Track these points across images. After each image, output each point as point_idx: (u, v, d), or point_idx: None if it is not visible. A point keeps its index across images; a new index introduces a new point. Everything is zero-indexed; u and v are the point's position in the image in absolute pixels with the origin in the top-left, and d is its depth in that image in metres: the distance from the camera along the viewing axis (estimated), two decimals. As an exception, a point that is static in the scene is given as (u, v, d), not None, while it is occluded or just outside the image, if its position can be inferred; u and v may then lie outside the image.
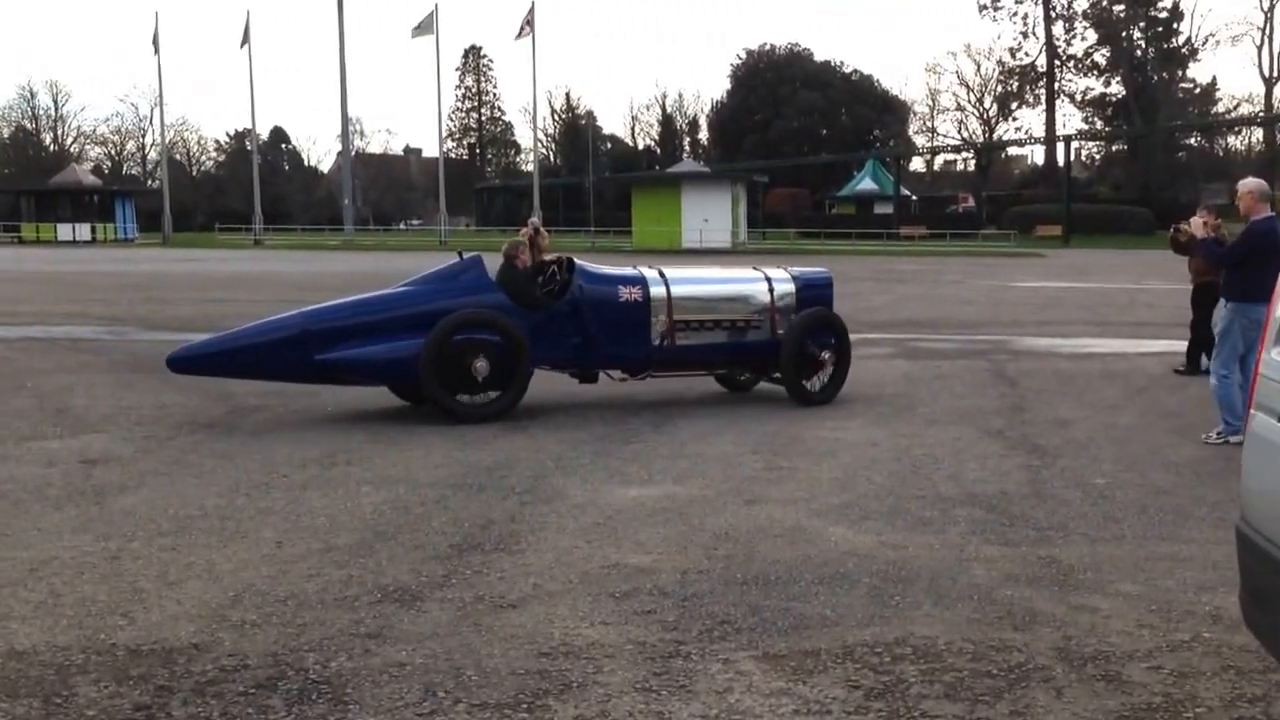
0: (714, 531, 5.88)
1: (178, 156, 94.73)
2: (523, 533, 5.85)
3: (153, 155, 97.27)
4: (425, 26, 65.99)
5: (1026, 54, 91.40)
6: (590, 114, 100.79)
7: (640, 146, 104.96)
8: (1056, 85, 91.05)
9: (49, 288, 26.60)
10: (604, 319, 9.69)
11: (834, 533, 5.87)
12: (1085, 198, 77.42)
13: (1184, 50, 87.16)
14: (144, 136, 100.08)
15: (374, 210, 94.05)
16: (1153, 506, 6.44)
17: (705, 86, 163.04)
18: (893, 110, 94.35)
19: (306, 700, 3.82)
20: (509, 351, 9.16)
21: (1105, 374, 12.41)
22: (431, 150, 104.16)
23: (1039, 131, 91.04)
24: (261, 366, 9.09)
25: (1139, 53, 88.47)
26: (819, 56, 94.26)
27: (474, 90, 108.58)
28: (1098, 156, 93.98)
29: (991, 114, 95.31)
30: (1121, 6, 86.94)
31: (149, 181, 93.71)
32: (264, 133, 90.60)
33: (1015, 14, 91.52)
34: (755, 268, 10.96)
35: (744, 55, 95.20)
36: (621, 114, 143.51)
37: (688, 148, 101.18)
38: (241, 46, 69.92)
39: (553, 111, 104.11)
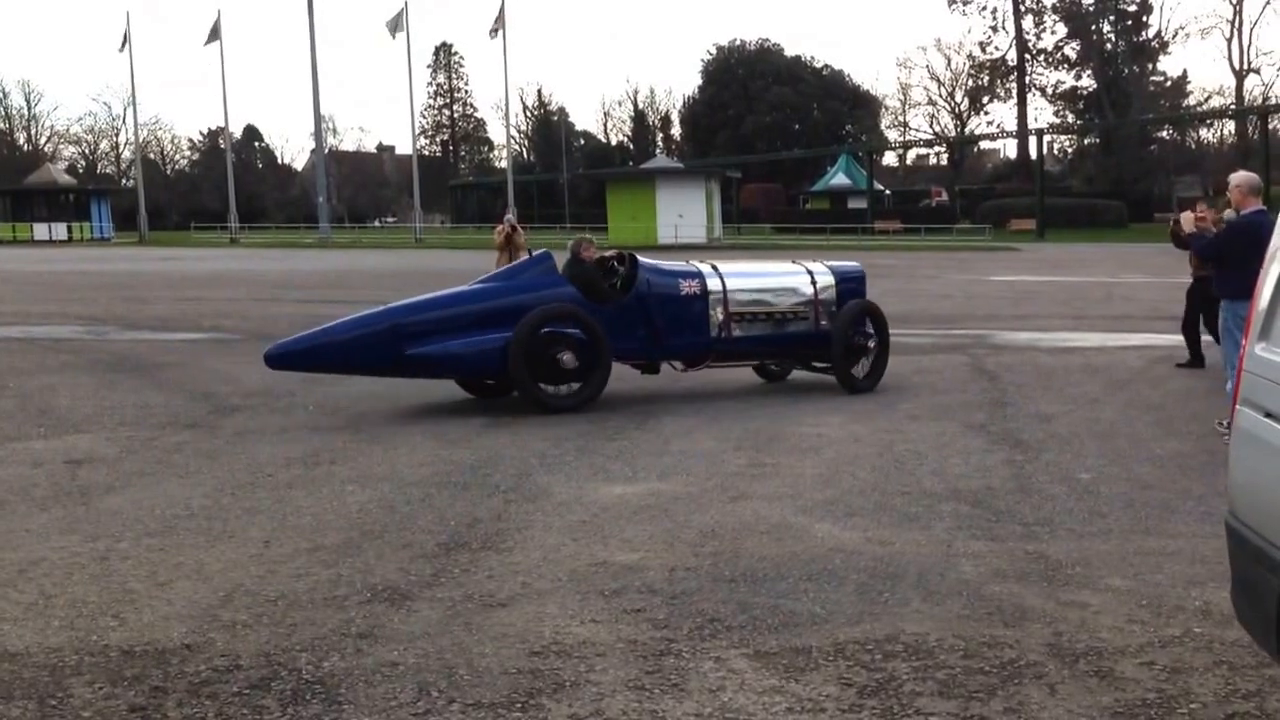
0: (700, 528, 5.89)
1: (151, 155, 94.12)
2: (509, 531, 5.84)
3: (126, 154, 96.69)
4: (396, 24, 65.78)
5: (997, 48, 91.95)
6: (563, 110, 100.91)
7: (613, 143, 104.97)
8: (1027, 79, 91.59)
9: (27, 288, 26.38)
10: (667, 312, 10.07)
11: (820, 529, 5.90)
12: (1058, 191, 77.98)
13: (1154, 43, 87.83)
14: (117, 135, 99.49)
15: (348, 208, 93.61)
16: (1138, 500, 6.49)
17: (677, 82, 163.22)
18: (864, 105, 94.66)
19: (301, 701, 3.81)
20: (590, 344, 9.47)
21: (1085, 368, 12.49)
22: (404, 147, 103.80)
23: (1011, 125, 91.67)
24: (352, 361, 9.36)
25: (1109, 46, 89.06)
26: (790, 52, 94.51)
27: (446, 87, 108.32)
28: (1070, 150, 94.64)
29: (963, 108, 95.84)
30: (1090, 0, 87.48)
31: (123, 181, 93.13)
32: (237, 131, 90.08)
33: (985, 8, 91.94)
34: (795, 261, 11.54)
35: (715, 51, 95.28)
36: (594, 110, 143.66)
37: (660, 144, 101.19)
38: (208, 43, 69.47)
39: (525, 108, 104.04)
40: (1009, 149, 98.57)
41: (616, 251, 10.64)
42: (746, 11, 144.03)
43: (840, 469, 7.32)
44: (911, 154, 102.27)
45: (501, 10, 64.83)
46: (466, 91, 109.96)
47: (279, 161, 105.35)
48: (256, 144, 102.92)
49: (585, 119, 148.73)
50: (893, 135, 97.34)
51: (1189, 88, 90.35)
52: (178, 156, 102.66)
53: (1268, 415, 3.14)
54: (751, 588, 4.94)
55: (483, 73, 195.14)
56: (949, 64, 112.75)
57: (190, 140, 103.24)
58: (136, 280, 29.27)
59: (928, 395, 10.50)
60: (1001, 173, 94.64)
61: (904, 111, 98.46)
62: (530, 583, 5.02)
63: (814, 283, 10.86)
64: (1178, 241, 12.09)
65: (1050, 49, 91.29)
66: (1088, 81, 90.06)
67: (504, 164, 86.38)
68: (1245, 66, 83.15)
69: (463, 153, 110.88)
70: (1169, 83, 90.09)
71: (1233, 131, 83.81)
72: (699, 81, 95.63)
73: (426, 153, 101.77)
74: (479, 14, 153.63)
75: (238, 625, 4.48)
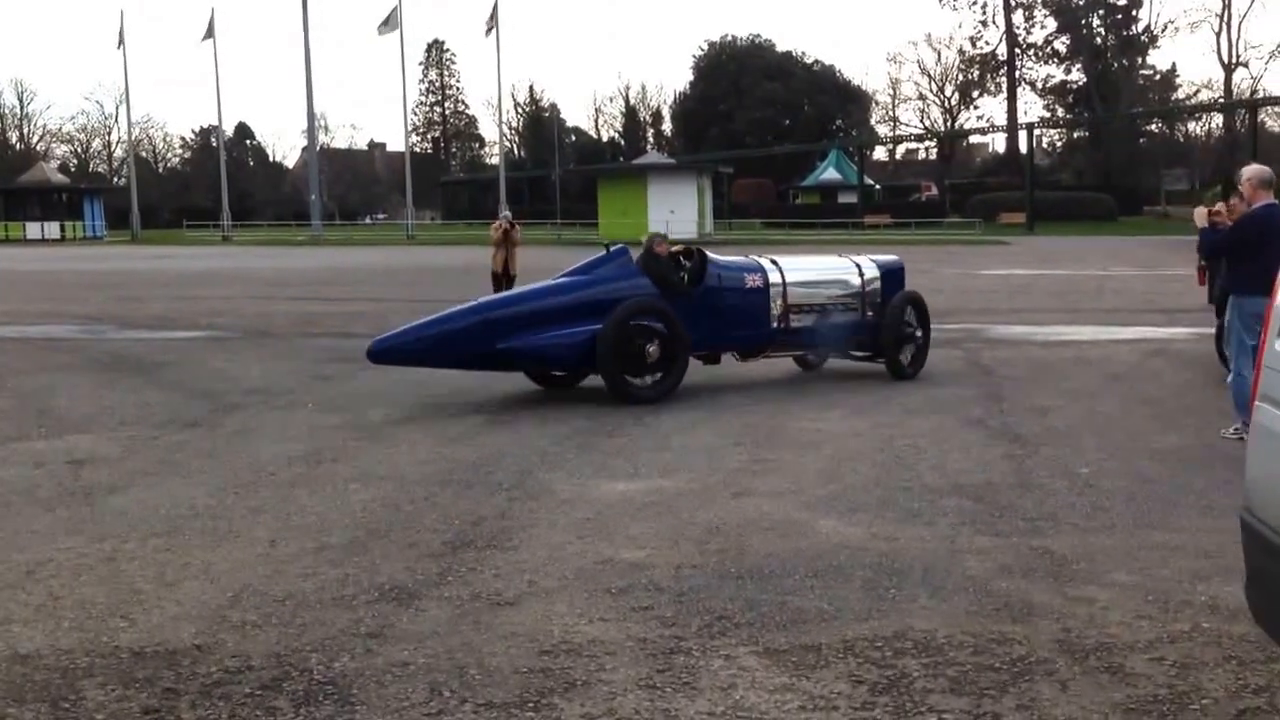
0: (704, 525, 5.90)
1: (143, 154, 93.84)
2: (514, 529, 5.85)
3: (118, 153, 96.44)
4: (390, 22, 65.73)
5: (987, 42, 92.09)
6: (554, 106, 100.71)
7: (604, 138, 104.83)
8: (1017, 73, 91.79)
9: (21, 287, 26.32)
10: (733, 304, 10.49)
11: (824, 525, 5.91)
12: (1047, 185, 78.04)
13: (1143, 37, 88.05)
14: (109, 134, 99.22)
15: (339, 205, 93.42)
16: (1139, 495, 6.51)
17: (668, 78, 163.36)
18: (855, 100, 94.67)
19: (313, 701, 3.81)
20: (670, 336, 9.80)
21: (1080, 361, 12.53)
22: (395, 145, 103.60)
23: (1000, 120, 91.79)
24: (447, 355, 9.62)
25: (1099, 40, 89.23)
26: (781, 47, 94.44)
27: (437, 84, 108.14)
28: (1059, 144, 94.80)
29: (953, 102, 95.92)
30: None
31: (114, 179, 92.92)
32: (229, 129, 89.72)
33: (975, 2, 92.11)
34: (841, 254, 12.14)
35: (706, 47, 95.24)
36: (585, 106, 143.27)
37: (652, 139, 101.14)
38: (204, 40, 69.35)
39: (516, 105, 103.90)
40: (998, 143, 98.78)
41: (685, 247, 11.01)
42: (738, 7, 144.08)
43: (841, 464, 7.33)
44: (901, 148, 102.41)
45: (495, 7, 64.75)
46: (458, 88, 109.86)
47: (270, 159, 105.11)
48: (248, 142, 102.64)
49: (576, 115, 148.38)
50: (883, 130, 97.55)
51: (1178, 81, 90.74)
52: (169, 155, 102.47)
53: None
54: (758, 585, 4.95)
55: (474, 69, 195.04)
56: (939, 59, 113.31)
57: (182, 138, 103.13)
58: (130, 279, 29.20)
59: (924, 389, 10.52)
60: (991, 167, 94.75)
61: (894, 106, 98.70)
62: (537, 581, 5.02)
63: (861, 275, 11.41)
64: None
65: (1040, 43, 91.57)
66: (1077, 75, 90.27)
67: (495, 160, 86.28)
68: (1234, 60, 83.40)
69: (454, 149, 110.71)
70: (1158, 76, 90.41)
71: (1220, 125, 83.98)
72: (690, 77, 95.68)
73: (418, 150, 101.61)
74: (470, 11, 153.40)
75: (247, 626, 4.48)
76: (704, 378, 11.14)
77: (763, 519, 6.00)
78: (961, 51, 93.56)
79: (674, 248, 10.78)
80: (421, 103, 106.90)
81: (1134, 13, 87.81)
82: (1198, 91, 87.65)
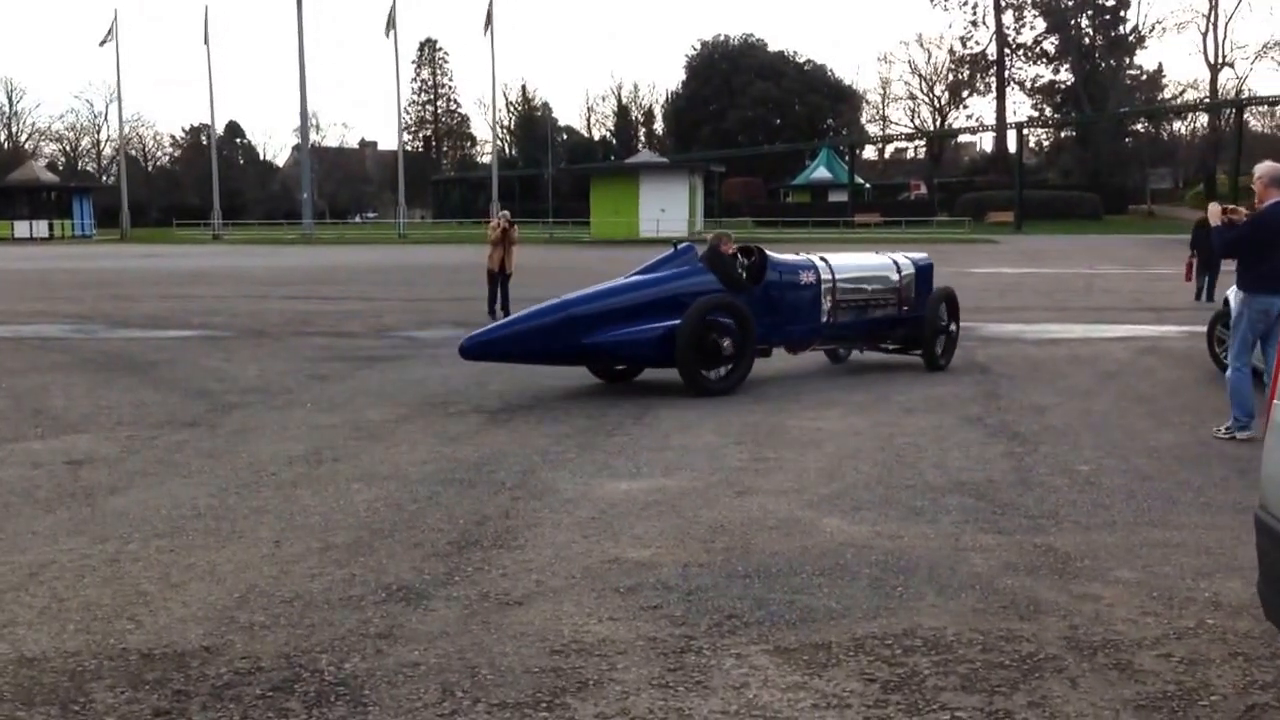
0: (709, 524, 5.90)
1: (133, 152, 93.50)
2: (519, 529, 5.84)
3: (108, 151, 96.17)
4: (391, 23, 65.89)
5: (977, 43, 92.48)
6: (546, 105, 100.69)
7: (596, 137, 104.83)
8: (1006, 73, 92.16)
9: (11, 286, 26.21)
10: (790, 300, 10.98)
11: (828, 524, 5.92)
12: (1035, 184, 78.36)
13: (1131, 38, 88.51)
14: (99, 132, 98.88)
15: (330, 203, 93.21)
16: (1139, 492, 6.54)
17: (660, 77, 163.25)
18: (845, 99, 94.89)
19: (325, 703, 3.80)
20: (741, 331, 10.18)
21: (1073, 359, 12.58)
22: (386, 143, 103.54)
23: (989, 119, 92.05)
24: (536, 351, 9.93)
25: (1087, 40, 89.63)
26: (773, 47, 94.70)
27: (430, 83, 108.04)
28: (1047, 143, 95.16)
29: (943, 102, 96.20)
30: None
31: (104, 177, 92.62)
32: (219, 127, 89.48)
33: (965, 3, 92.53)
34: (878, 252, 12.79)
35: (698, 46, 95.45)
36: (577, 105, 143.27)
37: (643, 138, 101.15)
38: (205, 43, 69.32)
39: (508, 103, 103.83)
40: (986, 142, 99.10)
41: (744, 245, 11.30)
42: (730, 7, 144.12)
43: (842, 463, 7.35)
44: (891, 148, 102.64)
45: (490, 7, 64.73)
46: (450, 87, 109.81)
47: (260, 158, 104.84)
48: (238, 140, 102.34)
49: (568, 114, 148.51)
50: (873, 129, 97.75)
51: (1164, 81, 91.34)
52: (159, 153, 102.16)
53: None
54: (766, 583, 4.96)
55: (466, 68, 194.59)
56: (929, 58, 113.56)
57: (172, 137, 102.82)
58: (122, 277, 29.11)
59: (921, 388, 10.55)
60: (979, 166, 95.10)
61: (884, 106, 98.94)
62: (545, 581, 5.02)
63: (899, 271, 12.05)
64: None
65: (1029, 44, 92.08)
66: (1065, 76, 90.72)
67: (486, 159, 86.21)
68: (1220, 60, 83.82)
69: (445, 148, 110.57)
70: (1145, 76, 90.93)
71: (1206, 125, 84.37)
72: (682, 76, 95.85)
73: (409, 148, 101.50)
74: (462, 10, 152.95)
75: (255, 627, 4.47)
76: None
77: (767, 517, 6.01)
78: (952, 51, 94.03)
79: (733, 246, 11.06)
80: (414, 101, 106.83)
81: (1122, 13, 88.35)
82: (1184, 91, 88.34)
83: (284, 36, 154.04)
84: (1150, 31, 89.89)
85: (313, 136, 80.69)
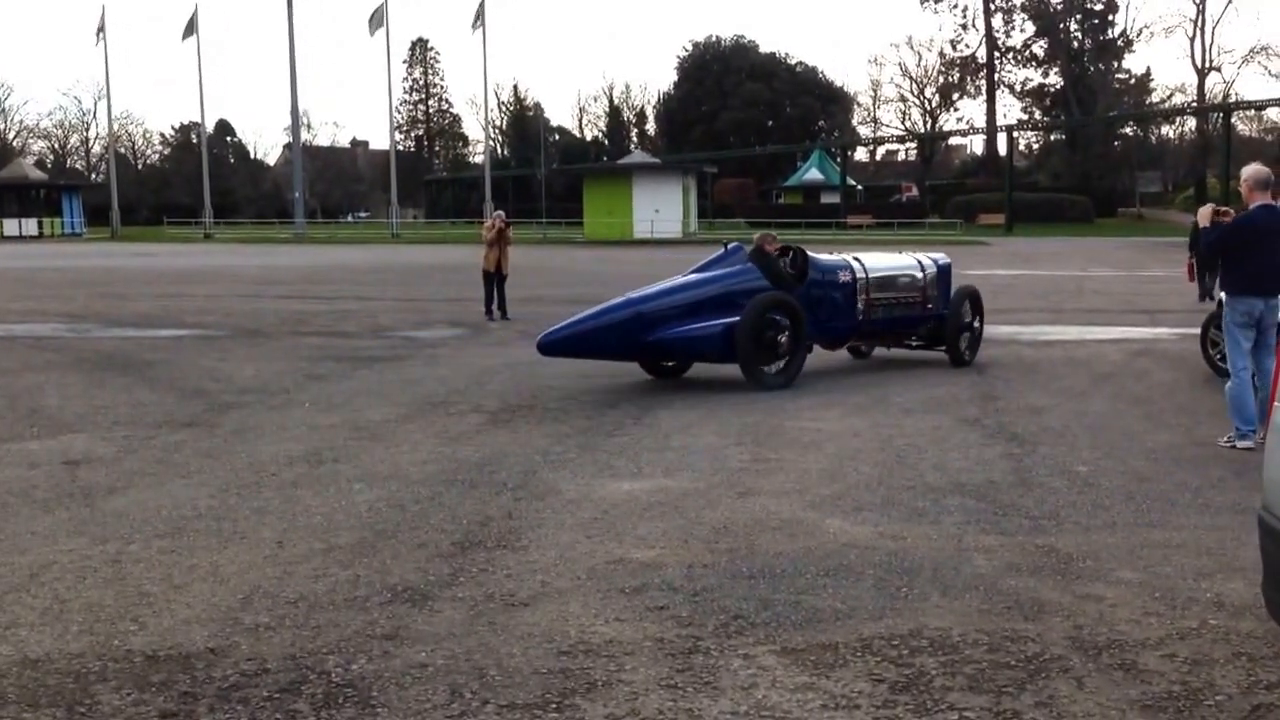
0: (712, 525, 5.91)
1: (122, 150, 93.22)
2: (522, 529, 5.84)
3: (97, 149, 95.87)
4: (377, 20, 65.68)
5: (967, 45, 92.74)
6: (538, 106, 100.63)
7: (588, 138, 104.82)
8: (996, 76, 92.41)
9: (1, 285, 26.12)
10: (830, 298, 11.42)
11: (831, 524, 5.93)
12: (1025, 186, 78.58)
13: (1119, 42, 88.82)
14: (88, 130, 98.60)
15: (321, 203, 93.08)
16: (1138, 493, 6.56)
17: (652, 78, 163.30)
18: (837, 101, 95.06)
19: (333, 704, 3.80)
20: (794, 328, 10.60)
21: (1068, 361, 12.61)
22: (377, 143, 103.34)
23: (980, 122, 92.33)
24: (605, 347, 10.33)
25: (1076, 44, 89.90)
26: (764, 48, 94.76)
27: (421, 83, 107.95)
28: (1037, 146, 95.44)
29: (933, 104, 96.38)
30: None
31: (93, 175, 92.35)
32: (209, 125, 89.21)
33: (955, 6, 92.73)
34: (901, 251, 13.29)
35: (690, 47, 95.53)
36: (569, 105, 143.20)
37: (635, 139, 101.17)
38: (185, 38, 69.01)
39: (500, 103, 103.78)
40: (977, 145, 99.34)
41: (784, 245, 11.64)
42: (722, 8, 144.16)
43: (843, 464, 7.36)
44: (882, 150, 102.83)
45: (481, 6, 64.66)
46: (442, 87, 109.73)
47: (251, 156, 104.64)
48: (229, 139, 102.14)
49: (560, 114, 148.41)
50: (864, 131, 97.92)
51: (1152, 85, 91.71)
52: (149, 151, 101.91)
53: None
54: (771, 584, 4.96)
55: (458, 68, 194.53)
56: (920, 61, 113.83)
57: (161, 135, 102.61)
58: (113, 276, 29.04)
59: (918, 389, 10.57)
60: (970, 168, 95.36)
61: (875, 108, 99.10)
62: (550, 581, 5.02)
63: (923, 270, 12.46)
64: None
65: (1019, 47, 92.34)
66: (1055, 79, 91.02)
67: (478, 159, 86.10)
68: (1207, 64, 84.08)
69: (437, 148, 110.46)
70: (1133, 80, 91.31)
71: (1194, 128, 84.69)
72: (674, 78, 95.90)
73: (401, 148, 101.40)
74: (454, 10, 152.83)
75: (260, 628, 4.46)
76: (700, 376, 11.18)
77: (770, 518, 6.02)
78: (942, 54, 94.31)
79: (776, 247, 11.43)
80: (405, 101, 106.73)
81: (1110, 17, 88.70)
82: (1172, 95, 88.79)
83: (274, 35, 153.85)
84: (1138, 36, 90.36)
85: (304, 135, 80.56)
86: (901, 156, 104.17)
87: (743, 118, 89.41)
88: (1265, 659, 4.11)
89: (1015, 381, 11.06)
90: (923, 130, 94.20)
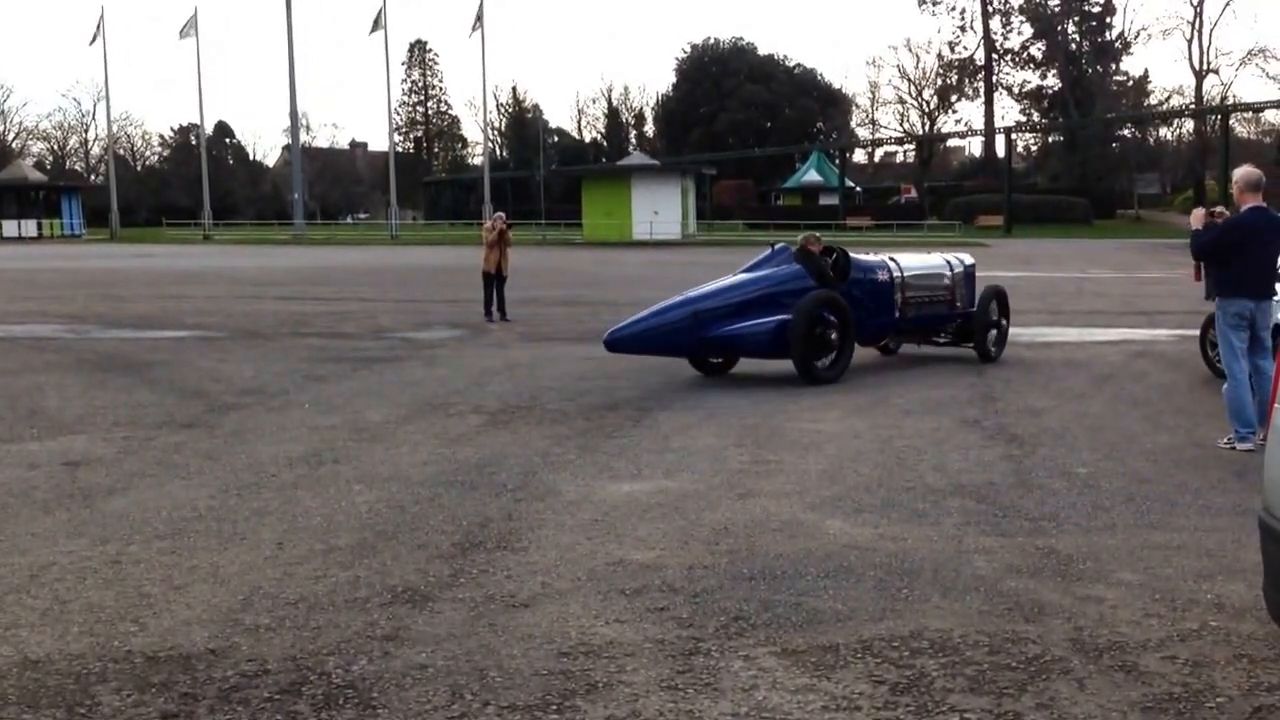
0: (712, 526, 5.91)
1: (121, 151, 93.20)
2: (522, 530, 5.84)
3: (96, 150, 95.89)
4: (378, 22, 65.79)
5: (965, 48, 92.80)
6: (536, 107, 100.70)
7: (587, 139, 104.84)
8: (994, 78, 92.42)
9: (1, 286, 26.07)
10: (871, 296, 11.84)
11: (831, 526, 5.93)
12: (1023, 188, 78.67)
13: (1117, 44, 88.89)
14: (87, 132, 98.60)
15: (320, 204, 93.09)
16: (1138, 495, 6.56)
17: (651, 80, 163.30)
18: (835, 103, 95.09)
19: (334, 705, 3.79)
20: (843, 325, 11.04)
21: (1067, 363, 12.61)
22: (376, 144, 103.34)
23: (978, 124, 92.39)
24: (666, 343, 10.85)
25: (1074, 46, 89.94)
26: (763, 50, 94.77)
27: (420, 84, 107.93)
28: (1035, 148, 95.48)
29: (931, 106, 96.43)
30: (1056, 1, 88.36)
31: (92, 177, 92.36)
32: (208, 127, 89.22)
33: (954, 8, 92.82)
34: (929, 252, 13.98)
35: (689, 49, 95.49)
36: (567, 107, 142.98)
37: (634, 141, 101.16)
38: (182, 38, 68.99)
39: (499, 105, 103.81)
40: (975, 147, 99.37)
41: (826, 246, 12.02)
42: (720, 10, 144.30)
43: (843, 465, 7.36)
44: (881, 151, 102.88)
45: (480, 8, 64.71)
46: (441, 88, 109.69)
47: (250, 158, 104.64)
48: (228, 140, 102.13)
49: (559, 116, 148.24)
50: (863, 133, 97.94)
51: (1150, 87, 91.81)
52: (148, 153, 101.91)
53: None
54: (771, 585, 4.96)
55: (457, 70, 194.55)
56: (918, 63, 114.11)
57: (161, 136, 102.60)
58: (113, 277, 29.03)
59: (918, 390, 10.57)
60: (968, 170, 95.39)
61: (874, 110, 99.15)
62: (550, 583, 5.02)
63: (951, 269, 13.00)
64: None
65: (1017, 49, 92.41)
66: (1053, 81, 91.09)
67: (477, 160, 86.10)
68: (1205, 67, 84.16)
69: (436, 149, 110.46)
70: (1131, 82, 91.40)
71: (1192, 130, 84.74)
72: (673, 79, 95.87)
73: (400, 149, 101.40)
74: (453, 11, 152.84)
75: (261, 629, 4.46)
76: (697, 378, 11.18)
77: (770, 520, 6.02)
78: (940, 56, 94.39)
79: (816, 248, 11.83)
80: (404, 102, 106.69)
81: (1108, 20, 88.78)
82: (1169, 97, 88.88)
83: (273, 36, 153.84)
84: (1136, 38, 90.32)
85: (303, 137, 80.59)
86: (900, 158, 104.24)
87: (741, 119, 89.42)
88: (1266, 661, 4.10)
89: (1015, 383, 11.06)
90: (921, 132, 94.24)
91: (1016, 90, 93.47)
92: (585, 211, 57.70)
